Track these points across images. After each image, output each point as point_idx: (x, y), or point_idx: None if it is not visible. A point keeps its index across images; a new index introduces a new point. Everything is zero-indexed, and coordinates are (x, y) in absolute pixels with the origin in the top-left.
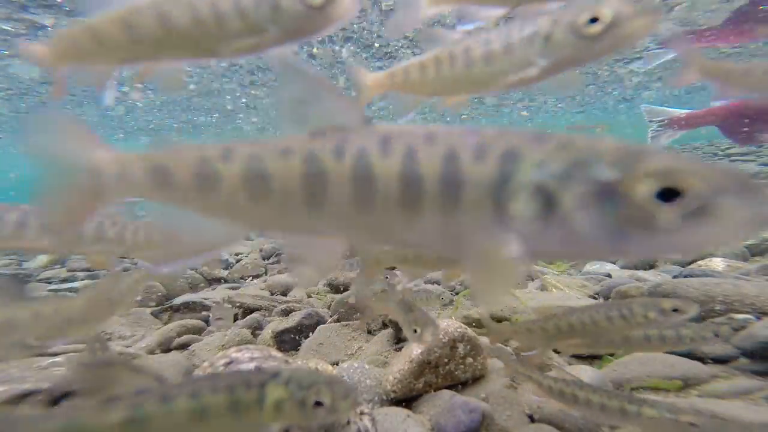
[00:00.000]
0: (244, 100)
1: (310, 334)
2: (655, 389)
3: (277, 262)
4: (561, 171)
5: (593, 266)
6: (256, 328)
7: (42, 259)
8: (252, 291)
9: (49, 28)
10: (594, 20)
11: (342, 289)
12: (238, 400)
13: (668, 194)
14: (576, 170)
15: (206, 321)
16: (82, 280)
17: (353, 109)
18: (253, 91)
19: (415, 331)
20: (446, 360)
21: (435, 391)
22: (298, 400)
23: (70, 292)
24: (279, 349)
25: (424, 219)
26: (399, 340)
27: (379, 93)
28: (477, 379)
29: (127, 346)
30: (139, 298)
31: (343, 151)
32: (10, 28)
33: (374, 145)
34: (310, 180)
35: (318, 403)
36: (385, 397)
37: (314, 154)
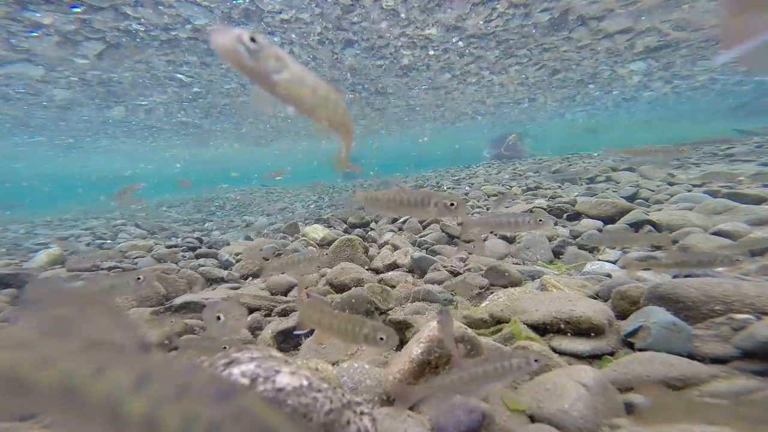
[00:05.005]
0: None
1: (311, 333)
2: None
3: None
4: None
5: (593, 266)
6: (256, 328)
7: (42, 258)
8: (252, 291)
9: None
10: None
11: (342, 288)
12: None
13: None
14: None
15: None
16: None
17: None
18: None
19: None
20: (446, 360)
21: None
22: None
23: None
24: (279, 349)
25: None
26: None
27: None
28: None
29: None
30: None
31: None
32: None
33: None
34: None
35: None
36: (385, 398)
37: None
